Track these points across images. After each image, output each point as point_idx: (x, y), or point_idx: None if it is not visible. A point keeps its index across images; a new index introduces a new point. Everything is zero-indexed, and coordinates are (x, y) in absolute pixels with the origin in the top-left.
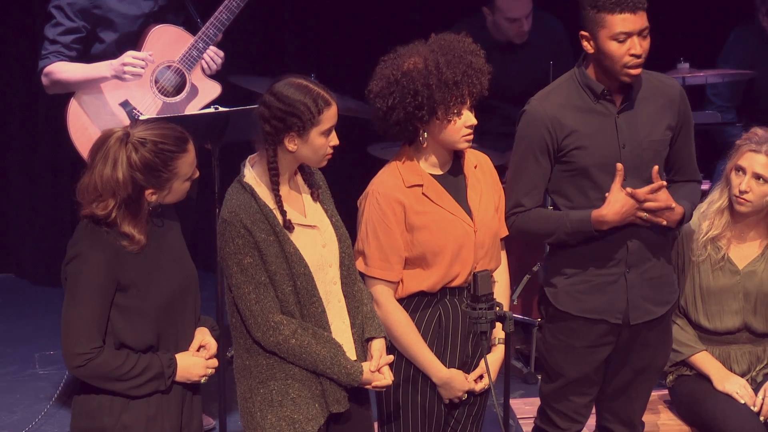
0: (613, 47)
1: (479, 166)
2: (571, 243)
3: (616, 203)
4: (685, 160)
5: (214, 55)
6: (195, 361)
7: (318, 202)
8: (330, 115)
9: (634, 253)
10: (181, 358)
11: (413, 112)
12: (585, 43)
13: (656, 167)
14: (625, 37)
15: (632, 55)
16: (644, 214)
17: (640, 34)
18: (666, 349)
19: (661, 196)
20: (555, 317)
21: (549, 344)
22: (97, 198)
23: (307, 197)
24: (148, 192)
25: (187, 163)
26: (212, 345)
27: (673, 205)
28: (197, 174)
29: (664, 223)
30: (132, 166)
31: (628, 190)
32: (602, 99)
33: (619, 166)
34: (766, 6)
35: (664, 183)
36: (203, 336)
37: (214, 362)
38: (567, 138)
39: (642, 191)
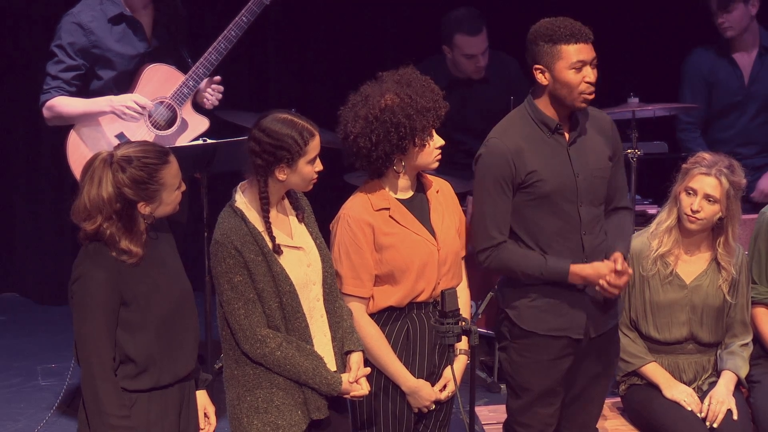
0: (570, 76)
1: (441, 191)
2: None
3: (604, 268)
4: (617, 189)
5: (214, 92)
6: None
7: (303, 224)
8: (315, 145)
9: None
10: None
11: (398, 143)
12: (540, 76)
13: (618, 255)
14: (581, 65)
15: (587, 83)
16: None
17: (591, 63)
18: (616, 359)
19: (623, 280)
20: (520, 336)
21: (515, 363)
22: (87, 216)
23: (293, 219)
24: (140, 205)
25: (172, 174)
26: (213, 418)
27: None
28: (184, 186)
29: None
30: (120, 183)
31: (613, 263)
32: (555, 133)
33: (618, 256)
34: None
35: (630, 271)
36: (206, 405)
37: None
38: (529, 171)
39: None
